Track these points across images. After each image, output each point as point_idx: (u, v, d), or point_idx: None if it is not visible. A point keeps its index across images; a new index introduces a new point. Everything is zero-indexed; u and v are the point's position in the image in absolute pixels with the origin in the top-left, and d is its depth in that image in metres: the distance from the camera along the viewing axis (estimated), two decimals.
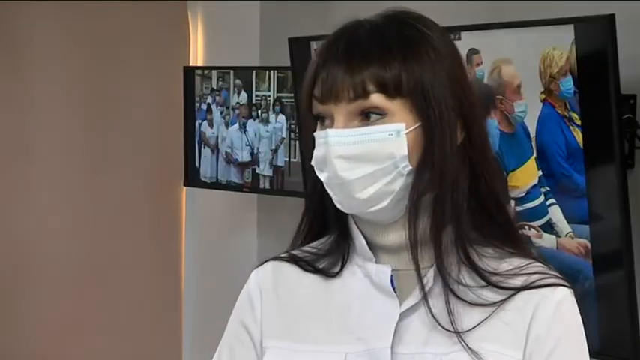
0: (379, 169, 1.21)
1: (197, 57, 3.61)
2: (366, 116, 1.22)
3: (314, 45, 2.58)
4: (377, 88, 1.21)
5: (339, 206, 1.25)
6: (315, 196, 1.30)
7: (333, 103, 1.22)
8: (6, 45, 3.54)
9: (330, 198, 1.26)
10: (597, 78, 2.02)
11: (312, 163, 1.26)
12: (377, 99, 1.21)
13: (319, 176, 1.25)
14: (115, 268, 3.69)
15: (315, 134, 1.25)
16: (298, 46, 2.70)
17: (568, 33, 2.06)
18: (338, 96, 1.21)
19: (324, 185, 1.25)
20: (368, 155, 1.21)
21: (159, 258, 3.75)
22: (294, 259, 1.32)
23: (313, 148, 1.26)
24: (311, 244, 1.34)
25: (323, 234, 1.33)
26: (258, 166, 3.21)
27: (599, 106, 2.03)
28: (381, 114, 1.21)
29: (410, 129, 1.22)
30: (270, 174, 3.17)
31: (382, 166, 1.21)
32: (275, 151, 3.14)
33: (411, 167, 1.22)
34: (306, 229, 1.34)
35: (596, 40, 2.02)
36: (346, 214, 1.28)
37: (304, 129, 1.34)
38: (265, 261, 1.36)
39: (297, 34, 2.71)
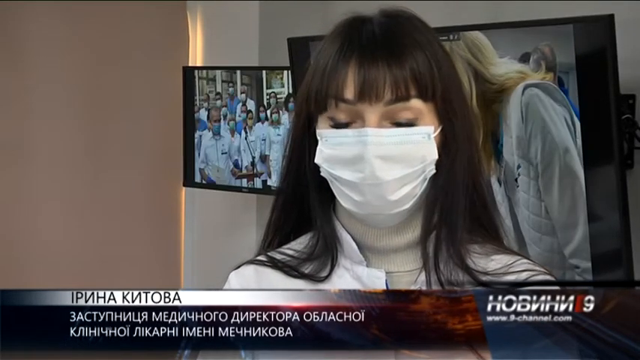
0: (411, 172, 1.19)
1: (196, 57, 3.62)
2: (401, 120, 1.19)
3: (313, 45, 2.58)
4: (416, 92, 1.18)
5: (352, 207, 1.21)
6: (295, 193, 1.28)
7: (367, 104, 1.18)
8: (6, 45, 3.54)
9: (319, 198, 1.25)
10: (596, 78, 2.02)
11: (320, 161, 1.22)
12: (415, 103, 1.19)
13: (337, 175, 1.21)
14: (114, 268, 3.69)
15: (330, 132, 1.21)
16: (297, 46, 2.70)
17: (567, 33, 2.06)
18: (378, 96, 1.17)
19: (340, 185, 1.21)
20: (403, 157, 1.19)
21: (158, 258, 3.75)
22: (275, 265, 1.28)
23: (306, 145, 1.24)
24: (289, 247, 1.30)
25: (296, 231, 1.31)
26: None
27: (598, 106, 2.03)
28: (415, 117, 1.19)
29: (436, 132, 1.21)
30: None
31: (414, 169, 1.19)
32: None
33: (435, 171, 1.22)
34: (278, 225, 1.30)
35: (595, 41, 2.02)
36: (331, 216, 1.27)
37: (295, 127, 1.29)
38: (243, 263, 1.31)
39: (297, 34, 2.71)
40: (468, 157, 1.24)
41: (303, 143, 1.26)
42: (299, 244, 1.30)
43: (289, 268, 1.27)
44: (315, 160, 1.23)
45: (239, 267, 1.31)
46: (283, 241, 1.32)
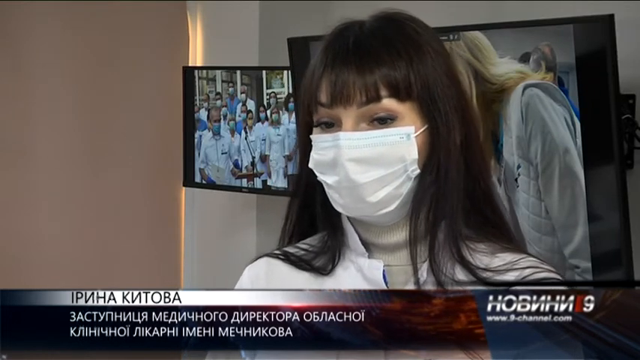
0: (390, 173, 1.21)
1: (196, 57, 3.61)
2: (377, 120, 1.21)
3: (313, 45, 2.58)
4: (389, 92, 1.20)
5: (341, 210, 1.25)
6: (307, 196, 1.31)
7: (342, 107, 1.21)
8: (6, 45, 3.54)
9: (321, 199, 1.27)
10: (596, 78, 2.02)
11: (312, 166, 1.25)
12: (388, 103, 1.21)
13: (323, 179, 1.24)
14: (114, 268, 3.69)
15: (316, 137, 1.25)
16: (297, 46, 2.69)
17: (567, 33, 2.06)
18: (349, 99, 1.20)
19: (327, 188, 1.24)
20: (379, 158, 1.21)
21: (158, 258, 3.75)
22: (287, 258, 1.33)
23: (309, 150, 1.26)
24: (305, 242, 1.34)
25: (310, 232, 1.34)
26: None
27: (598, 106, 2.03)
28: (392, 118, 1.21)
29: (419, 132, 1.22)
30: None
31: (393, 170, 1.21)
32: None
33: (419, 171, 1.23)
34: (293, 229, 1.34)
35: (595, 40, 2.02)
36: (337, 213, 1.28)
37: (298, 134, 1.33)
38: (259, 257, 1.36)
39: (297, 34, 2.71)
40: (461, 155, 1.24)
41: (304, 150, 1.29)
42: (314, 240, 1.33)
43: (300, 261, 1.31)
44: (309, 166, 1.26)
45: (255, 260, 1.36)
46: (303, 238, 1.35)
